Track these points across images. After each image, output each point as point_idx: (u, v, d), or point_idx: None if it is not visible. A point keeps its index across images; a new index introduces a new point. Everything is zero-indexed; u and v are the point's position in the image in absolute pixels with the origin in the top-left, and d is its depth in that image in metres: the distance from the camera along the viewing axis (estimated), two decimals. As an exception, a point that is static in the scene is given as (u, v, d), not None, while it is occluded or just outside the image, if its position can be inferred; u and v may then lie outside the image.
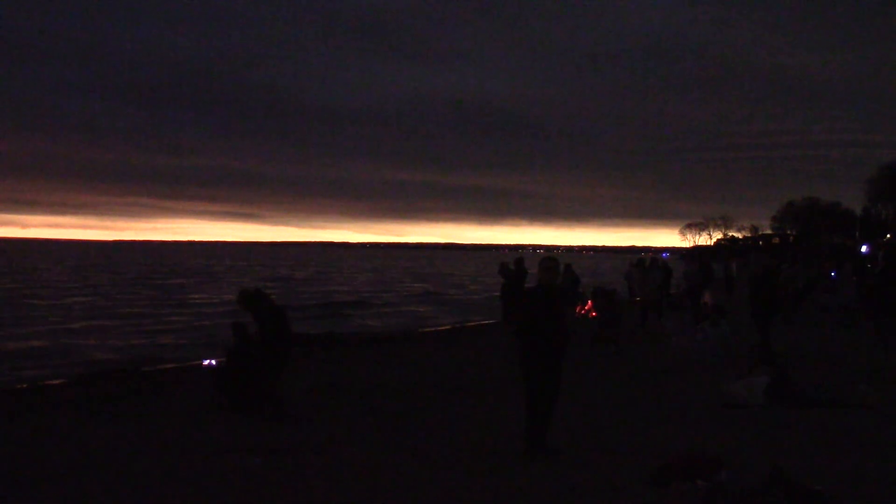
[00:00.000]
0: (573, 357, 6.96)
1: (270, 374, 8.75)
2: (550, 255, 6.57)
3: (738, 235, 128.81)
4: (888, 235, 77.72)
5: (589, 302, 15.61)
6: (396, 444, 6.71)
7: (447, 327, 22.31)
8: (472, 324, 22.91)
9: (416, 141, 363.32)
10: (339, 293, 39.55)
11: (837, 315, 16.56)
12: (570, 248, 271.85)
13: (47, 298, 30.81)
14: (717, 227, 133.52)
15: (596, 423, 7.38)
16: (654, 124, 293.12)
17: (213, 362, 10.10)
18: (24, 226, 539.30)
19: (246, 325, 8.90)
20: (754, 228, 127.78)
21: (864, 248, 23.01)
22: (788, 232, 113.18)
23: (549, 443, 6.09)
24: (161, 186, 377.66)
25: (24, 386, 11.56)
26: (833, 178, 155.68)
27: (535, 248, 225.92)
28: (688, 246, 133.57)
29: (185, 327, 21.78)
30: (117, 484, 5.42)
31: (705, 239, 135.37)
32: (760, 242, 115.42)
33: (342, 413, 8.30)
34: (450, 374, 11.09)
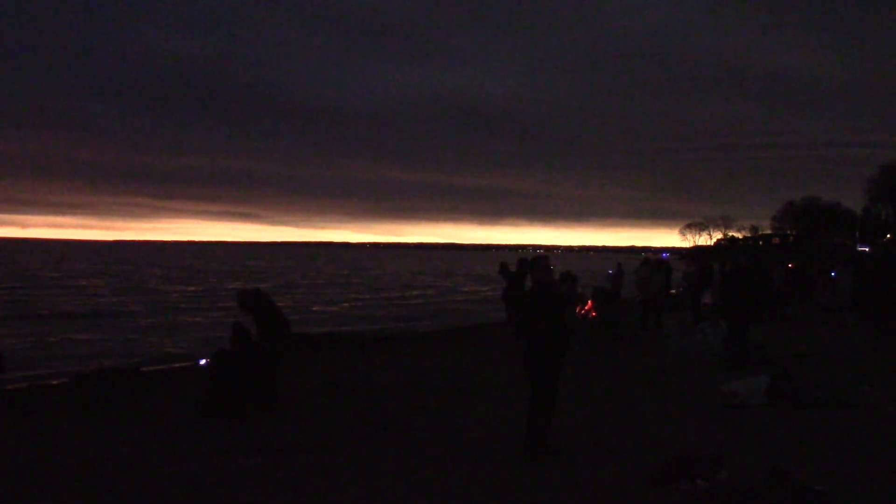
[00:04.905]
0: (573, 357, 6.95)
1: (269, 373, 8.74)
2: (541, 254, 6.61)
3: (738, 235, 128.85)
4: (888, 235, 77.73)
5: (589, 302, 15.60)
6: (396, 444, 6.71)
7: (447, 327, 22.32)
8: (473, 324, 22.93)
9: (416, 141, 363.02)
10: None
11: (837, 315, 16.57)
12: (570, 248, 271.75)
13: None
14: (717, 227, 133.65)
15: (596, 422, 7.37)
16: (653, 124, 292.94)
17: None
18: (24, 226, 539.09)
19: (247, 328, 8.86)
20: (754, 228, 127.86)
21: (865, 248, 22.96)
22: (788, 232, 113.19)
23: (549, 443, 6.10)
24: (161, 186, 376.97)
25: (24, 386, 11.56)
26: (833, 178, 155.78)
27: (535, 248, 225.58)
28: (688, 246, 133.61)
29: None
30: (117, 484, 5.41)
31: (705, 239, 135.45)
32: (760, 242, 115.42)
33: (342, 413, 8.29)
34: (450, 374, 11.09)
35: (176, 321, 23.53)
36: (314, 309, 29.18)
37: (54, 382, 12.17)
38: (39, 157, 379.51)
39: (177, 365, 14.18)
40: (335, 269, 74.46)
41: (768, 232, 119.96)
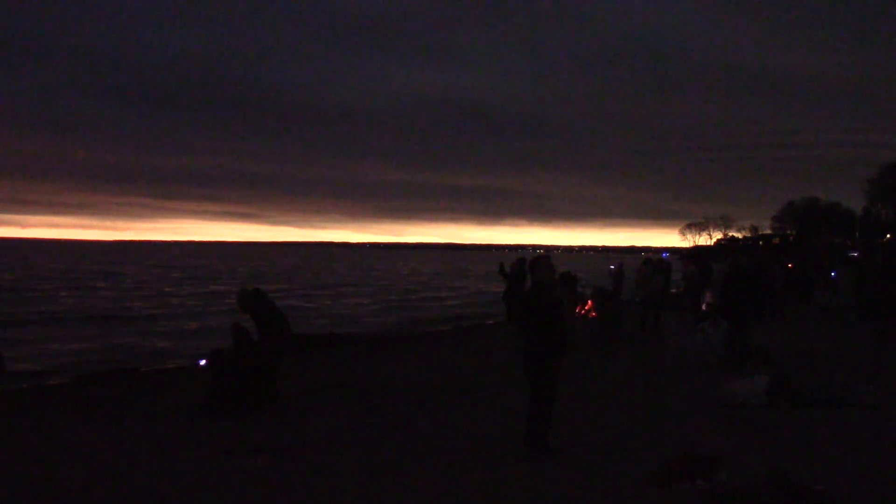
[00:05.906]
0: (573, 357, 6.96)
1: (270, 373, 8.74)
2: (542, 254, 6.63)
3: (738, 235, 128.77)
4: (888, 235, 77.72)
5: (589, 302, 15.59)
6: (396, 444, 6.72)
7: (447, 328, 22.32)
8: (473, 324, 22.93)
9: (416, 141, 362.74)
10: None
11: (838, 315, 16.57)
12: (569, 248, 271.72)
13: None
14: (717, 227, 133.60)
15: (596, 422, 7.38)
16: (653, 124, 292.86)
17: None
18: (23, 226, 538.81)
19: (247, 328, 8.86)
20: (754, 228, 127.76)
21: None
22: (788, 232, 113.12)
23: (550, 442, 6.10)
24: (161, 186, 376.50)
25: (25, 386, 11.57)
26: (833, 178, 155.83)
27: (535, 248, 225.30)
28: (688, 246, 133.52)
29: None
30: (117, 484, 5.42)
31: (705, 239, 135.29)
32: (761, 242, 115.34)
33: (343, 413, 8.30)
34: (450, 374, 11.10)
35: (179, 322, 23.53)
36: (335, 312, 28.95)
37: (55, 382, 12.18)
38: (39, 157, 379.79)
39: (177, 365, 14.19)
40: (346, 270, 74.52)
41: (768, 232, 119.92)
